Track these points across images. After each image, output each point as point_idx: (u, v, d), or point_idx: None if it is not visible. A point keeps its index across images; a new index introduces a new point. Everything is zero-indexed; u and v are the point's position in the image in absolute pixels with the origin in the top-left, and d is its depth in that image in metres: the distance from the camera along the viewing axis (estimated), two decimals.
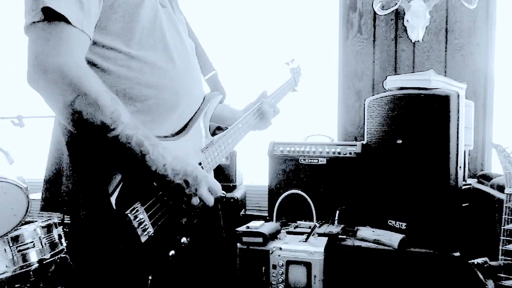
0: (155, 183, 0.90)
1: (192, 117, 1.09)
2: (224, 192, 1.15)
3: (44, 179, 0.95)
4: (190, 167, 0.93)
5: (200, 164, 1.07)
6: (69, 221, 0.97)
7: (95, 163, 0.86)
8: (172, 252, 0.96)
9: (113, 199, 0.85)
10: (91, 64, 0.90)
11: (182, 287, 1.07)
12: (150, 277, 0.90)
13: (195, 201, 0.94)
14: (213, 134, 1.17)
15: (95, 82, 0.84)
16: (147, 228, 0.91)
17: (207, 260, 1.18)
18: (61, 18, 0.82)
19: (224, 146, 1.18)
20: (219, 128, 1.19)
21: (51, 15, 0.81)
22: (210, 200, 0.97)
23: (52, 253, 2.26)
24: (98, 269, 0.91)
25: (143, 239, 0.89)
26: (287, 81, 1.67)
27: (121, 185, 0.87)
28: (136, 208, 0.89)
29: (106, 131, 0.82)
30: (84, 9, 0.85)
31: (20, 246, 2.14)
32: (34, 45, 0.82)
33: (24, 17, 0.84)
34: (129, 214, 0.87)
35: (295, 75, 1.74)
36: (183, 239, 1.00)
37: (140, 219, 0.89)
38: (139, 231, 0.89)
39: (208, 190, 0.96)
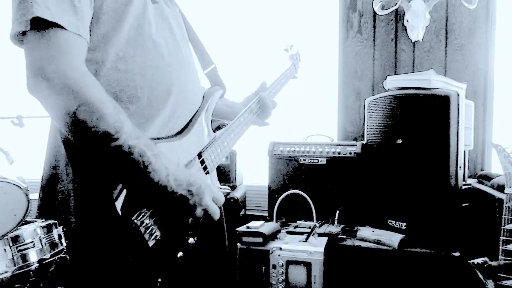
0: (157, 194, 0.87)
1: (193, 115, 1.07)
2: (229, 188, 1.13)
3: (41, 185, 0.94)
4: (194, 176, 0.90)
5: (203, 162, 1.05)
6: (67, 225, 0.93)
7: (96, 168, 0.84)
8: (180, 254, 0.95)
9: (118, 205, 0.83)
10: None
11: (190, 287, 1.06)
12: (159, 280, 0.89)
13: (199, 212, 0.91)
14: (214, 131, 1.16)
15: (98, 89, 0.81)
16: (154, 232, 0.89)
17: (213, 260, 1.17)
18: (54, 25, 0.79)
19: (226, 142, 1.15)
20: (219, 128, 1.18)
21: (42, 23, 0.78)
22: (215, 211, 0.94)
23: (52, 253, 2.26)
24: (104, 276, 0.87)
25: (151, 243, 0.88)
26: (287, 69, 1.63)
27: (125, 189, 0.85)
28: (142, 213, 0.87)
29: (108, 140, 0.79)
30: (78, 12, 0.82)
31: (20, 246, 2.14)
32: (32, 53, 0.80)
33: (12, 24, 0.81)
34: (135, 220, 0.85)
35: (294, 61, 1.70)
36: (191, 240, 0.98)
37: (147, 224, 0.87)
38: (147, 236, 0.87)
39: (212, 199, 0.94)
